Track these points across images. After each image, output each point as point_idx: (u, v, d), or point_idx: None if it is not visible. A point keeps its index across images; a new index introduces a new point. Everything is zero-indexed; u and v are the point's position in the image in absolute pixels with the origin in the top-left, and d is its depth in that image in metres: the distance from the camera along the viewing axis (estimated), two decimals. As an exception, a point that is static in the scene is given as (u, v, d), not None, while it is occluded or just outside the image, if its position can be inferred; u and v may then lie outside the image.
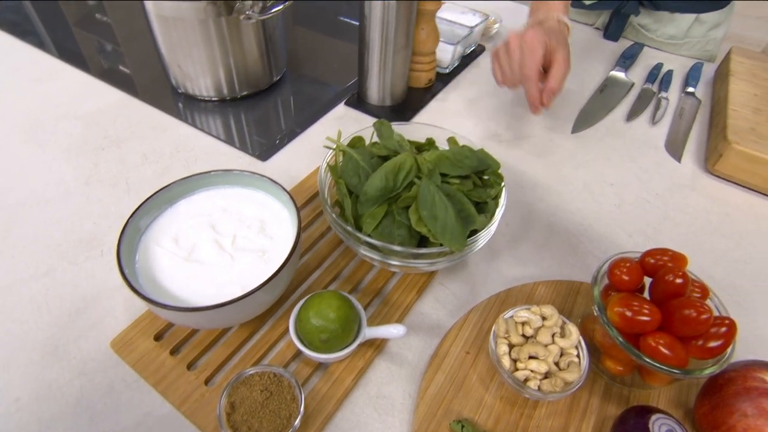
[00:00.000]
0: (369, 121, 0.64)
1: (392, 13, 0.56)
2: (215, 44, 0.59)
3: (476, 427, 0.33)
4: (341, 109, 0.66)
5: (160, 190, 0.39)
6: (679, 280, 0.34)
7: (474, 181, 0.43)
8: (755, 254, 0.52)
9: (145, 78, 0.69)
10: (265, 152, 0.57)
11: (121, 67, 0.71)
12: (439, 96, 0.70)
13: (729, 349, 0.33)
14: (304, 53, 0.77)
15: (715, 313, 0.34)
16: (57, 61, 0.71)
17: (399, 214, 0.40)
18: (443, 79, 0.73)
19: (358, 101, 0.67)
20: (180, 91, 0.66)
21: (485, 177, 0.45)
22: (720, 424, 0.32)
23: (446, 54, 0.71)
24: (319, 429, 0.34)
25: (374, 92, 0.65)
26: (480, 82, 0.74)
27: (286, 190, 0.40)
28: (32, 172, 0.53)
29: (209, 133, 0.60)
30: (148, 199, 0.38)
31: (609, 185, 0.58)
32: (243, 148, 0.58)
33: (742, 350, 0.40)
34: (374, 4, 0.56)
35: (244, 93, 0.66)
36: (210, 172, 0.42)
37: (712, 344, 0.32)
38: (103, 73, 0.69)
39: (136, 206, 0.38)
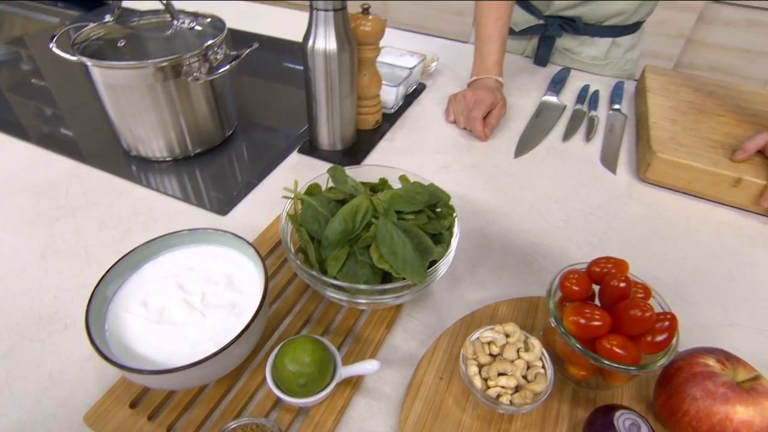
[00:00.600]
0: (323, 166, 0.66)
1: (334, 63, 0.59)
2: (165, 107, 0.60)
3: (458, 449, 0.34)
4: (295, 157, 0.68)
5: (124, 255, 0.40)
6: (622, 284, 0.37)
7: (428, 215, 0.46)
8: (690, 251, 0.56)
9: (94, 143, 0.69)
10: (223, 207, 0.58)
11: (65, 134, 0.71)
12: (387, 135, 0.74)
13: (674, 341, 0.36)
14: (253, 104, 0.80)
15: (658, 310, 0.37)
16: (-5, 133, 0.70)
17: (361, 254, 0.41)
18: (389, 119, 0.77)
19: (311, 148, 0.69)
20: (132, 154, 0.66)
21: (438, 210, 0.47)
22: (676, 411, 0.34)
23: (390, 95, 0.76)
24: (305, 475, 0.34)
25: (325, 138, 0.68)
26: (425, 118, 0.79)
27: (250, 244, 0.41)
28: (-17, 252, 0.52)
29: (166, 193, 0.60)
30: (112, 266, 0.39)
31: (554, 203, 0.63)
32: (201, 204, 0.58)
33: (688, 339, 0.44)
34: (317, 57, 0.59)
35: (198, 151, 0.67)
36: (173, 233, 0.42)
37: (659, 338, 0.35)
38: (46, 141, 0.69)
39: (101, 275, 0.38)
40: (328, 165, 0.64)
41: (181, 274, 0.40)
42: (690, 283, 0.52)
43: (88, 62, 0.57)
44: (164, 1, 0.59)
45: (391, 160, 0.68)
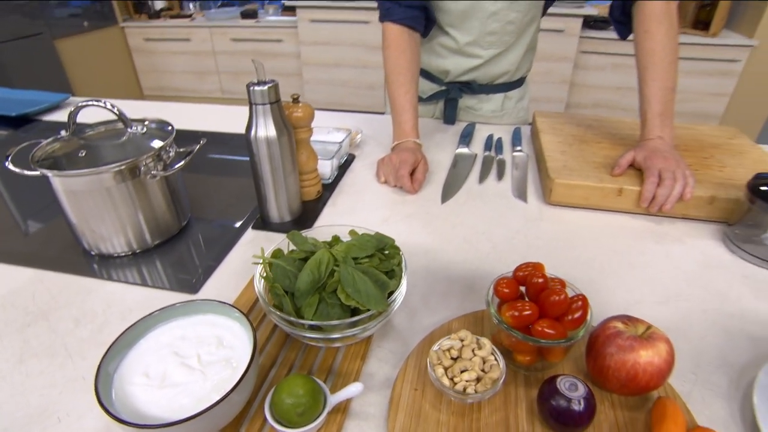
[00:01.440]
0: (277, 237, 0.73)
1: (276, 147, 0.69)
2: (125, 205, 0.66)
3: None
4: (250, 233, 0.74)
5: (120, 335, 0.44)
6: (540, 280, 0.47)
7: (379, 257, 0.54)
8: (596, 252, 0.68)
9: (53, 248, 0.72)
10: (193, 286, 0.63)
11: (21, 244, 0.73)
12: (329, 202, 0.83)
13: (588, 317, 0.45)
14: (203, 194, 0.86)
15: (572, 294, 0.47)
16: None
17: (329, 297, 0.48)
18: (329, 188, 0.86)
19: (263, 223, 0.76)
20: (93, 253, 0.70)
21: (386, 252, 0.56)
22: (601, 368, 0.43)
23: (326, 168, 0.85)
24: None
25: (275, 212, 0.75)
26: (359, 182, 0.89)
27: (233, 306, 0.47)
28: (-44, 372, 0.53)
29: (135, 283, 0.64)
30: (111, 345, 0.43)
31: (481, 234, 0.73)
32: (171, 287, 0.63)
33: (600, 315, 0.53)
34: (260, 143, 0.68)
35: (157, 242, 0.72)
36: (162, 309, 0.47)
37: (576, 315, 0.44)
38: (2, 255, 0.70)
39: (90, 364, 0.42)
40: (281, 236, 0.71)
41: (174, 343, 0.45)
42: (600, 276, 0.63)
43: (50, 173, 0.62)
44: (116, 111, 0.66)
45: (337, 222, 0.76)
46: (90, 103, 0.65)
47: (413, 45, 0.95)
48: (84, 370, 0.51)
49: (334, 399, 0.43)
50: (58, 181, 0.63)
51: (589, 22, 2.82)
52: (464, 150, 0.99)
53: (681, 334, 0.54)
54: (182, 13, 3.52)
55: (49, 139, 0.68)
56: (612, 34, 2.78)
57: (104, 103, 0.66)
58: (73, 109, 0.67)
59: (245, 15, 3.30)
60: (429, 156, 0.95)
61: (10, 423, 0.47)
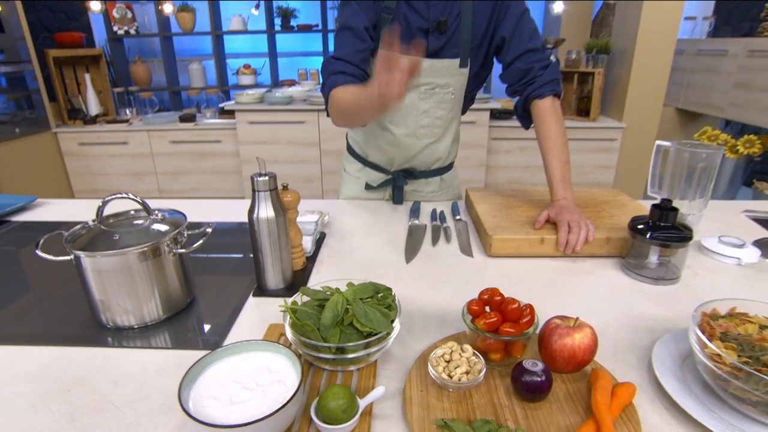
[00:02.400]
0: (276, 301, 0.86)
1: (274, 225, 0.84)
2: (143, 282, 0.76)
3: (455, 421, 0.55)
4: (252, 300, 0.87)
5: (187, 372, 0.55)
6: (498, 297, 0.65)
7: (376, 298, 0.69)
8: (532, 287, 0.88)
9: (72, 326, 0.79)
10: (214, 345, 0.73)
11: (37, 326, 0.79)
12: (313, 270, 0.97)
13: (536, 319, 0.63)
14: (206, 273, 0.97)
15: (522, 305, 0.65)
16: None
17: (347, 328, 0.63)
18: (310, 260, 1.01)
19: (261, 291, 0.89)
20: (110, 326, 0.78)
21: (380, 294, 0.71)
22: (551, 353, 0.60)
23: (308, 243, 1.01)
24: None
25: (272, 281, 0.88)
26: (335, 254, 1.04)
27: (274, 342, 0.59)
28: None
29: (161, 348, 0.73)
30: (183, 377, 0.53)
31: (443, 283, 0.91)
32: (196, 346, 0.73)
33: (544, 318, 0.71)
34: (261, 223, 0.83)
35: (167, 315, 0.82)
36: (217, 350, 0.59)
37: (527, 319, 0.62)
38: (20, 339, 0.76)
39: (136, 415, 0.52)
40: (279, 300, 0.84)
41: (230, 375, 0.56)
42: (537, 303, 0.82)
43: (82, 254, 0.72)
44: (140, 201, 0.79)
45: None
46: (117, 196, 0.78)
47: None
48: (137, 417, 0.60)
49: (364, 401, 0.56)
50: (89, 261, 0.74)
51: (495, 114, 3.32)
52: (416, 222, 1.19)
53: (602, 333, 0.73)
54: (119, 119, 3.63)
55: (78, 227, 0.78)
56: (515, 122, 3.29)
57: (128, 195, 0.79)
58: (100, 203, 0.79)
59: (184, 119, 3.49)
60: (388, 229, 1.14)
61: (77, 469, 0.54)
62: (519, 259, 1.00)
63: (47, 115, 3.41)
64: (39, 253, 0.75)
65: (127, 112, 3.78)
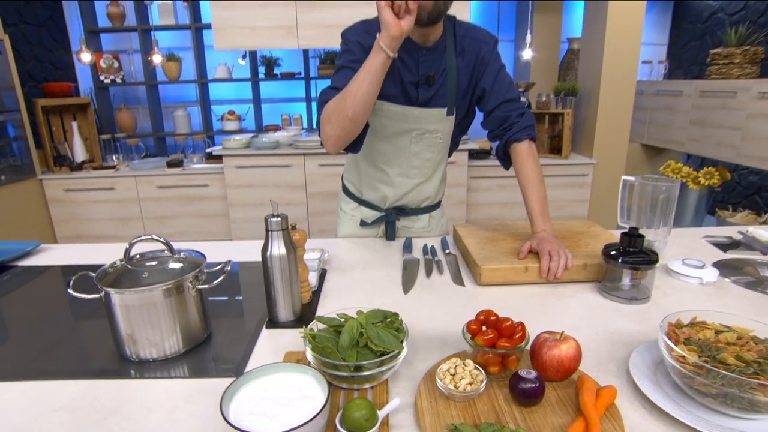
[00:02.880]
0: (288, 332, 0.93)
1: (285, 261, 0.92)
2: (167, 317, 0.83)
3: (464, 425, 0.62)
4: (265, 332, 0.93)
5: (223, 393, 0.61)
6: (493, 317, 0.74)
7: (385, 323, 0.78)
8: (522, 310, 0.97)
9: (99, 360, 0.84)
10: (236, 372, 0.80)
11: (64, 361, 0.84)
12: (319, 303, 1.05)
13: (527, 335, 0.72)
14: (219, 310, 1.03)
15: (515, 322, 0.74)
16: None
17: (362, 349, 0.71)
18: (315, 293, 1.09)
19: (273, 323, 0.96)
20: (133, 359, 0.83)
21: (389, 319, 0.80)
22: (542, 364, 0.69)
23: (312, 278, 1.09)
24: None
25: (283, 313, 0.95)
26: (336, 289, 1.12)
27: (300, 363, 0.67)
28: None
29: (185, 377, 0.79)
30: (222, 396, 0.60)
31: (439, 310, 1.00)
32: (219, 374, 0.79)
33: (533, 335, 0.80)
34: (274, 259, 0.91)
35: (186, 348, 0.88)
36: (242, 375, 0.65)
37: (519, 335, 0.71)
38: (50, 373, 0.81)
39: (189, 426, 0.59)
40: (290, 331, 0.92)
41: (263, 393, 0.63)
42: (528, 324, 0.91)
43: (112, 291, 0.79)
44: (164, 241, 0.87)
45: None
46: (143, 238, 0.86)
47: None
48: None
49: (383, 411, 0.64)
50: (117, 298, 0.80)
51: (473, 154, 3.49)
52: (409, 256, 1.28)
53: (585, 347, 0.82)
54: (105, 165, 3.68)
55: (106, 266, 0.85)
56: (492, 162, 3.47)
57: (153, 236, 0.87)
58: (128, 245, 0.86)
59: (171, 164, 3.56)
60: (384, 264, 1.23)
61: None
62: (506, 287, 1.10)
63: (33, 163, 3.44)
64: (71, 292, 0.82)
65: (114, 158, 3.84)
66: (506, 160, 1.33)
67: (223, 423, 0.57)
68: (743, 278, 1.14)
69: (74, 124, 3.69)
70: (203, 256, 0.92)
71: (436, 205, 1.48)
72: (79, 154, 3.70)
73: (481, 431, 0.60)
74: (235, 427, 0.55)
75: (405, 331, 0.76)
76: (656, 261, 1.00)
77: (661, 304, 1.01)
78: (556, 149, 3.61)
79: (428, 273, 1.19)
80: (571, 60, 4.19)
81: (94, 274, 0.84)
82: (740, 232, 1.44)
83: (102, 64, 4.04)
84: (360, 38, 1.17)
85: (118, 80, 4.11)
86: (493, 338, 0.70)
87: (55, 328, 0.97)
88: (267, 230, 0.92)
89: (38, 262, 1.36)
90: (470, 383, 0.67)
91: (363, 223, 1.45)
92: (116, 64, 4.09)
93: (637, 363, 0.75)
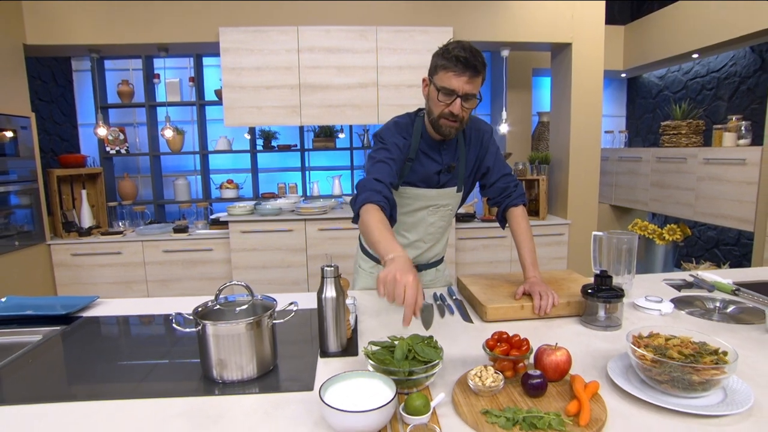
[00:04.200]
0: (338, 361, 1.15)
1: (335, 302, 1.16)
2: (247, 346, 1.05)
3: (492, 409, 0.85)
4: (321, 360, 1.16)
5: (321, 387, 0.84)
6: (505, 336, 0.99)
7: (424, 342, 1.02)
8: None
9: (191, 382, 1.05)
10: (306, 385, 1.01)
11: (164, 381, 1.04)
12: (358, 339, 1.28)
13: (532, 347, 0.98)
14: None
15: (522, 338, 0.99)
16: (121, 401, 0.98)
17: (412, 360, 0.95)
18: (353, 331, 1.32)
19: (324, 354, 1.18)
20: (219, 380, 1.04)
21: (426, 341, 1.04)
22: (544, 367, 0.94)
23: (351, 319, 1.33)
24: None
25: (333, 345, 1.18)
26: (367, 328, 1.36)
27: (371, 370, 0.90)
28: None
29: (263, 393, 1.00)
30: (320, 391, 0.83)
31: (454, 340, 1.24)
32: (294, 390, 1.01)
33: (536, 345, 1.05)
34: (327, 301, 1.15)
35: (260, 374, 1.09)
36: (330, 378, 0.88)
37: (526, 346, 0.97)
38: (156, 393, 1.01)
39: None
40: (340, 359, 1.15)
41: (346, 391, 0.86)
42: (533, 338, 1.16)
43: (208, 323, 1.02)
44: (245, 285, 1.10)
45: (370, 346, 1.21)
46: (230, 283, 1.10)
47: (385, 217, 1.25)
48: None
49: (433, 403, 0.87)
50: (211, 329, 1.03)
51: (459, 218, 3.82)
52: (425, 302, 1.53)
53: (573, 360, 1.07)
54: (112, 231, 3.87)
55: (200, 305, 1.08)
56: (477, 224, 3.80)
57: (238, 282, 1.11)
58: (214, 293, 1.10)
59: (177, 230, 3.78)
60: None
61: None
62: (507, 322, 1.35)
63: (43, 229, 3.62)
64: (175, 326, 1.04)
65: (120, 224, 4.03)
66: (504, 221, 1.63)
67: (311, 411, 0.79)
68: (694, 310, 1.43)
69: (83, 192, 3.91)
70: (275, 300, 1.16)
71: (441, 260, 1.76)
72: (86, 220, 3.89)
73: (505, 411, 0.84)
74: (332, 407, 0.78)
75: (441, 348, 1.00)
76: (623, 296, 1.28)
77: (630, 329, 1.27)
78: (534, 212, 3.98)
79: (441, 314, 1.44)
80: (542, 131, 4.69)
81: (187, 314, 1.07)
82: (691, 275, 1.75)
83: (109, 136, 4.33)
84: (395, 139, 1.45)
85: (123, 151, 4.39)
86: (506, 349, 0.95)
87: (143, 362, 1.17)
88: (323, 277, 1.17)
89: (97, 313, 1.56)
90: (493, 382, 0.91)
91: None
92: (122, 137, 4.38)
93: (612, 367, 1.00)
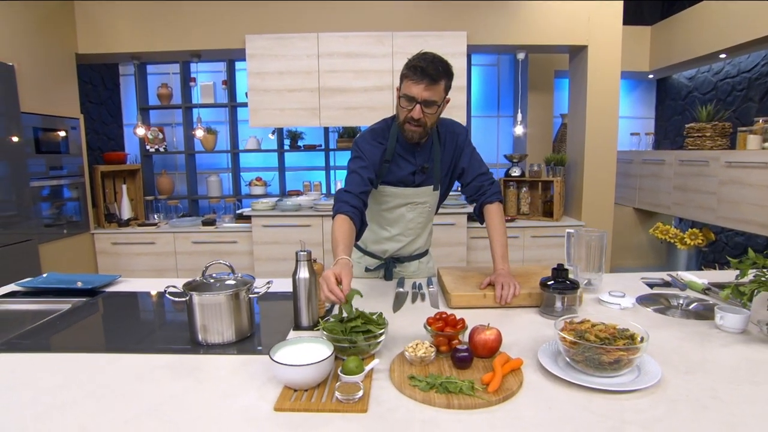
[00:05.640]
0: (309, 334, 1.30)
1: (308, 282, 1.31)
2: (227, 314, 1.22)
3: (418, 375, 0.98)
4: (294, 333, 1.31)
5: (272, 348, 0.99)
6: (445, 316, 1.11)
7: (372, 318, 1.16)
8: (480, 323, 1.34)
9: (179, 342, 1.24)
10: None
11: (161, 342, 1.23)
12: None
13: (467, 324, 1.09)
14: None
15: (458, 318, 1.11)
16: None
17: (356, 331, 1.09)
18: (328, 311, 1.47)
19: (297, 327, 1.34)
20: (204, 343, 1.22)
21: (375, 316, 1.17)
22: (475, 344, 1.06)
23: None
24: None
25: (305, 321, 1.34)
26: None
27: (317, 337, 1.05)
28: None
29: (237, 354, 1.17)
30: (270, 351, 0.98)
31: (418, 322, 1.36)
32: (263, 353, 1.17)
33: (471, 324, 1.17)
34: (301, 281, 1.30)
35: (238, 339, 1.26)
36: (281, 342, 1.03)
37: (461, 325, 1.09)
38: (151, 349, 1.19)
39: (251, 374, 0.97)
40: (310, 332, 1.29)
41: (293, 352, 1.01)
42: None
43: (194, 294, 1.19)
44: (228, 264, 1.27)
45: (339, 324, 1.36)
46: (215, 262, 1.27)
47: (352, 230, 1.47)
48: (238, 381, 1.03)
49: (368, 366, 1.00)
50: (197, 299, 1.20)
51: (472, 217, 3.91)
52: (400, 290, 1.66)
53: (518, 344, 1.18)
54: (148, 222, 4.19)
55: (190, 280, 1.26)
56: (489, 222, 3.86)
57: (221, 261, 1.28)
58: (204, 267, 1.28)
59: (206, 223, 4.05)
60: (381, 295, 1.61)
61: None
62: (471, 309, 1.46)
63: (88, 219, 3.97)
64: (168, 296, 1.23)
65: (155, 216, 4.36)
66: (481, 217, 1.74)
67: (269, 370, 0.95)
68: (656, 306, 1.49)
69: (124, 187, 4.25)
70: (253, 277, 1.32)
71: (424, 253, 1.88)
72: (126, 212, 4.23)
73: (427, 378, 0.97)
74: (278, 362, 0.93)
75: (385, 323, 1.14)
76: (577, 287, 1.37)
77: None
78: (548, 213, 4.01)
79: (413, 300, 1.57)
80: (564, 133, 4.69)
81: (177, 287, 1.25)
82: (669, 275, 1.79)
83: (149, 135, 4.67)
84: (369, 146, 1.62)
85: (161, 149, 4.72)
86: (442, 326, 1.08)
87: (145, 325, 1.37)
88: (297, 260, 1.32)
89: (119, 289, 1.78)
90: (425, 353, 1.03)
91: (367, 269, 1.85)
92: (161, 136, 4.71)
93: (544, 348, 1.11)
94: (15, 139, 3.14)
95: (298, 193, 4.65)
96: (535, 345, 1.19)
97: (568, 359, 1.03)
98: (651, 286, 1.71)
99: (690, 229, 4.15)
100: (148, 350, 1.21)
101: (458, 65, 3.56)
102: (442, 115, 1.64)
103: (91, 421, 0.90)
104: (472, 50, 4.04)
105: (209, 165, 5.13)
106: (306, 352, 1.02)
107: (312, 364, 0.93)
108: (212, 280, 1.29)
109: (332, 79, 3.73)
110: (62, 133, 3.64)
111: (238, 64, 4.71)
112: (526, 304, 1.47)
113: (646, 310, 1.46)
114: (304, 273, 1.31)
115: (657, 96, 5.43)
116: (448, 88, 1.50)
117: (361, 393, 0.92)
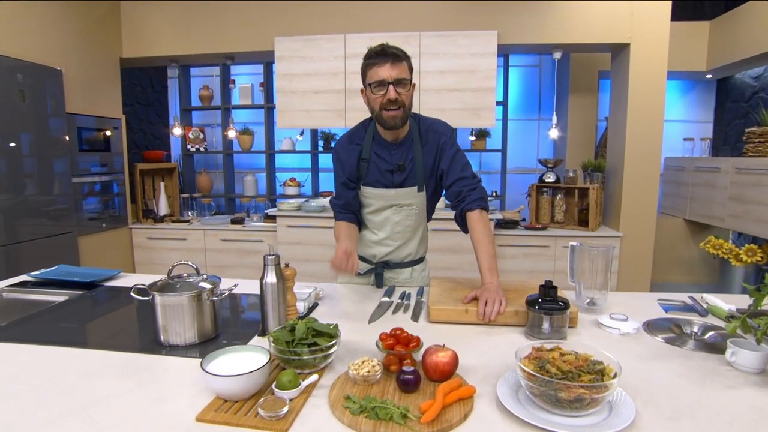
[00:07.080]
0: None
1: (275, 287, 1.27)
2: (189, 316, 1.20)
3: (354, 396, 0.91)
4: (256, 338, 1.27)
5: (204, 358, 0.95)
6: (398, 331, 1.03)
7: (328, 329, 1.09)
8: (455, 342, 1.24)
9: (143, 342, 1.23)
10: (226, 361, 1.14)
11: (122, 341, 1.22)
12: (303, 325, 1.38)
13: (421, 343, 1.00)
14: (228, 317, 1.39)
15: (413, 336, 1.02)
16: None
17: (302, 346, 1.02)
18: (302, 318, 1.42)
19: (264, 332, 1.29)
20: (165, 344, 1.20)
21: (332, 327, 1.11)
22: (427, 366, 0.96)
23: (300, 306, 1.43)
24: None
25: (271, 325, 1.29)
26: (319, 317, 1.44)
27: (255, 346, 1.00)
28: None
29: (196, 357, 1.14)
30: (203, 360, 0.94)
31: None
32: (214, 362, 1.13)
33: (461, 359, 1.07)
34: (268, 285, 1.26)
35: (201, 341, 1.23)
36: (217, 350, 0.99)
37: (414, 344, 1.00)
38: (112, 346, 1.19)
39: (198, 375, 0.93)
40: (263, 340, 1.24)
41: (229, 361, 0.96)
42: (459, 351, 1.18)
43: (156, 294, 1.17)
44: (195, 266, 1.25)
45: (307, 333, 1.30)
46: (180, 263, 1.25)
47: (351, 228, 1.66)
48: (189, 380, 0.99)
49: (305, 382, 0.94)
50: (159, 299, 1.19)
51: (501, 224, 3.74)
52: (385, 299, 1.58)
53: (489, 370, 1.07)
54: (181, 219, 4.33)
55: (155, 281, 1.25)
56: (521, 231, 3.69)
57: (187, 262, 1.26)
58: (170, 267, 1.26)
59: (234, 221, 4.13)
60: (364, 302, 1.54)
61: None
62: (452, 325, 1.36)
63: (127, 214, 4.16)
64: (133, 294, 1.22)
65: (189, 213, 4.50)
66: (464, 225, 1.63)
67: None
68: (665, 334, 1.32)
69: (162, 185, 4.42)
70: (219, 279, 1.30)
71: (419, 261, 1.79)
72: (162, 208, 4.39)
73: (362, 400, 0.89)
74: (209, 372, 0.89)
75: (338, 335, 1.07)
76: (567, 308, 1.24)
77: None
78: (584, 222, 3.77)
79: (395, 311, 1.48)
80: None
81: (145, 285, 1.24)
82: (690, 296, 1.60)
83: (190, 135, 4.84)
84: (345, 151, 1.64)
85: (202, 149, 4.87)
86: (392, 344, 0.99)
87: (121, 321, 1.38)
88: (264, 264, 1.28)
89: (118, 284, 1.82)
90: (368, 372, 0.96)
91: (357, 273, 1.78)
92: (201, 136, 4.86)
93: (507, 376, 0.99)
94: (60, 137, 3.33)
95: (330, 194, 4.65)
96: (506, 372, 1.08)
97: (527, 391, 0.92)
98: (667, 309, 1.53)
99: (747, 245, 3.76)
100: (110, 347, 1.21)
101: (487, 66, 3.42)
102: (428, 115, 1.65)
103: (19, 417, 0.90)
104: (505, 50, 3.88)
105: (248, 165, 5.25)
106: (246, 362, 0.97)
107: (238, 375, 0.88)
108: (178, 281, 1.27)
109: (358, 80, 3.66)
110: (106, 133, 3.83)
111: (275, 67, 4.78)
112: (513, 323, 1.35)
113: (652, 337, 1.30)
114: (271, 278, 1.27)
115: (716, 98, 4.99)
116: (411, 70, 1.50)
117: (285, 410, 0.86)
